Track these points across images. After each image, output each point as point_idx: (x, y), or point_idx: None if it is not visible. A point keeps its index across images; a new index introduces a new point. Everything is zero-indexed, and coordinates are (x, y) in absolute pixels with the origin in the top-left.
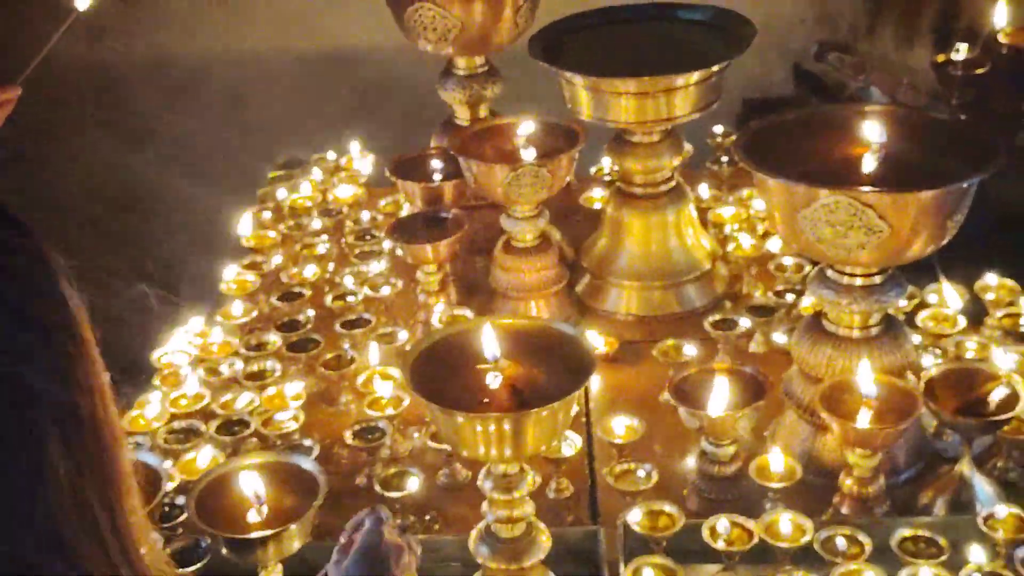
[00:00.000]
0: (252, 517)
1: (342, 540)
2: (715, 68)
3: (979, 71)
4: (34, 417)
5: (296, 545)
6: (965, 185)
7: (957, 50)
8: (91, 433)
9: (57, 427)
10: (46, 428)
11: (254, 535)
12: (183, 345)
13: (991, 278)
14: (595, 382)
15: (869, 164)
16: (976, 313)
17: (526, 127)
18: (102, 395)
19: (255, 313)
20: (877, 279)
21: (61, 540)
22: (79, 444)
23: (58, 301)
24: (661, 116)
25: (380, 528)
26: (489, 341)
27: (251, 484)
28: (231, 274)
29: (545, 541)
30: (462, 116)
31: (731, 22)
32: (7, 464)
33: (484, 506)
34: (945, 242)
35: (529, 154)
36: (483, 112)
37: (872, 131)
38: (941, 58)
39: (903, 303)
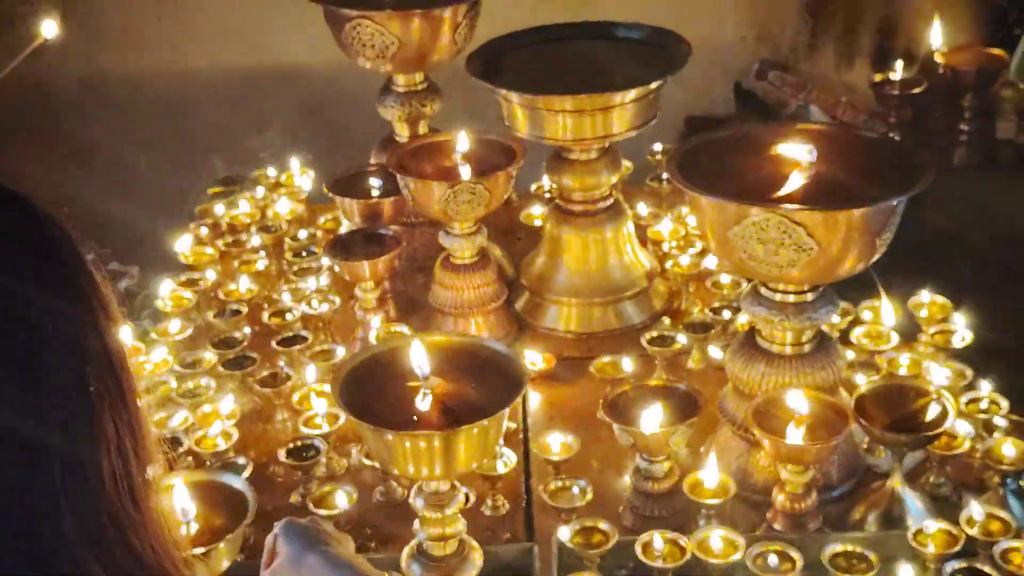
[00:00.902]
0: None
1: (264, 559)
2: (652, 86)
3: (916, 90)
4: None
5: (225, 564)
6: (893, 203)
7: (894, 70)
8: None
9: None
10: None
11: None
12: None
13: (924, 295)
14: (533, 399)
15: (799, 182)
16: (909, 330)
17: (462, 143)
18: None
19: (190, 330)
20: (809, 296)
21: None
22: (123, 406)
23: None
24: (598, 134)
25: (291, 521)
26: (419, 358)
27: (180, 502)
28: (167, 290)
29: (477, 559)
30: (401, 133)
31: (668, 41)
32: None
33: (416, 524)
34: (874, 260)
35: (466, 171)
36: (423, 129)
37: (802, 150)
38: (879, 77)
39: (836, 320)
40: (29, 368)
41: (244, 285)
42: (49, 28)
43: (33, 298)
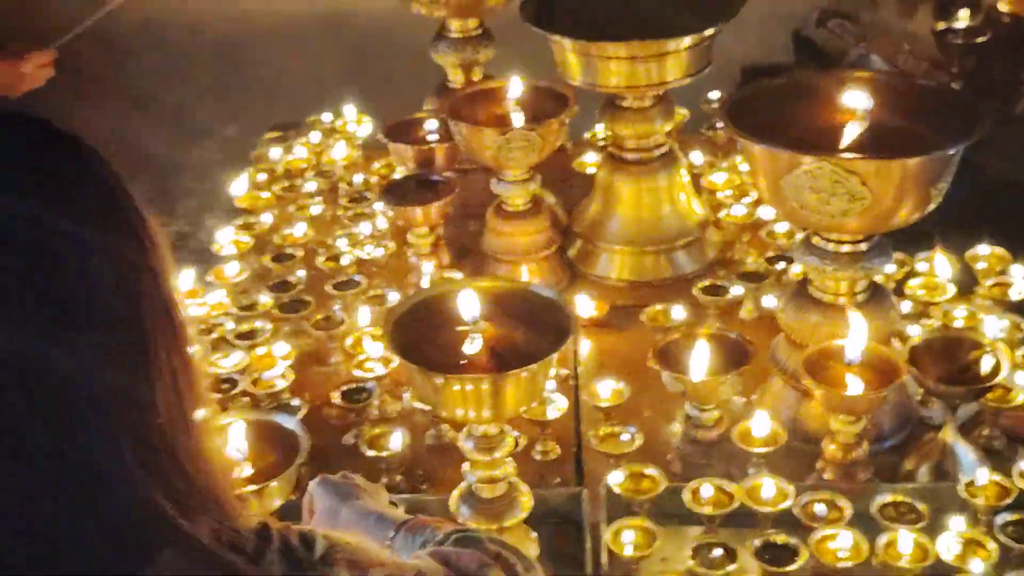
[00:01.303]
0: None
1: (304, 516)
2: (706, 33)
3: (979, 39)
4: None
5: (277, 502)
6: (948, 152)
7: (958, 18)
8: (180, 328)
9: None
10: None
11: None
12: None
13: (983, 247)
14: (584, 346)
15: (854, 131)
16: (966, 282)
17: (516, 90)
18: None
19: (247, 274)
20: (863, 246)
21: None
22: (175, 336)
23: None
24: (652, 81)
25: (325, 478)
26: (469, 303)
27: (235, 441)
28: (226, 235)
29: (526, 502)
30: (455, 79)
31: None
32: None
33: (465, 467)
34: (930, 209)
35: (519, 118)
36: (476, 76)
37: (857, 98)
38: (942, 26)
39: (891, 270)
40: (86, 308)
41: (300, 230)
42: None
43: (88, 240)
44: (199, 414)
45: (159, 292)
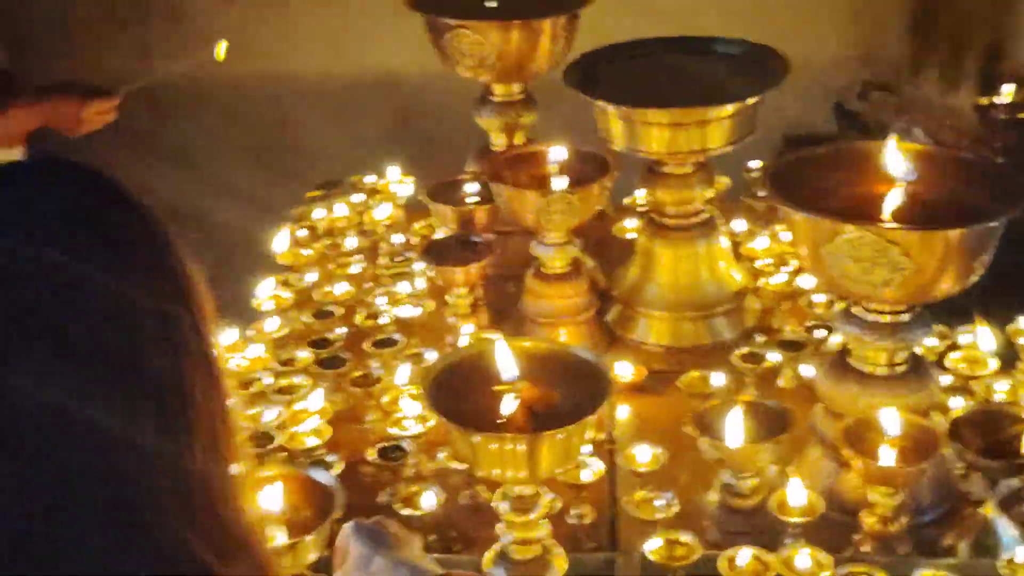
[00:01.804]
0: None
1: (334, 559)
2: (749, 102)
3: (1022, 115)
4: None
5: (312, 556)
6: (992, 225)
7: (1000, 93)
8: (219, 382)
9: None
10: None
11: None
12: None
13: None
14: (621, 411)
15: (896, 201)
16: (1009, 356)
17: (557, 155)
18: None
19: (287, 330)
20: (904, 317)
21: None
22: (215, 390)
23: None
24: (694, 148)
25: (359, 523)
26: (506, 361)
27: (271, 496)
28: (266, 290)
29: (560, 565)
30: (497, 142)
31: (766, 57)
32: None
33: (499, 527)
34: (972, 281)
35: (560, 182)
36: (519, 139)
37: (899, 166)
38: (985, 101)
39: (934, 342)
40: (128, 364)
41: (340, 288)
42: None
43: (132, 297)
44: (235, 467)
45: (200, 347)
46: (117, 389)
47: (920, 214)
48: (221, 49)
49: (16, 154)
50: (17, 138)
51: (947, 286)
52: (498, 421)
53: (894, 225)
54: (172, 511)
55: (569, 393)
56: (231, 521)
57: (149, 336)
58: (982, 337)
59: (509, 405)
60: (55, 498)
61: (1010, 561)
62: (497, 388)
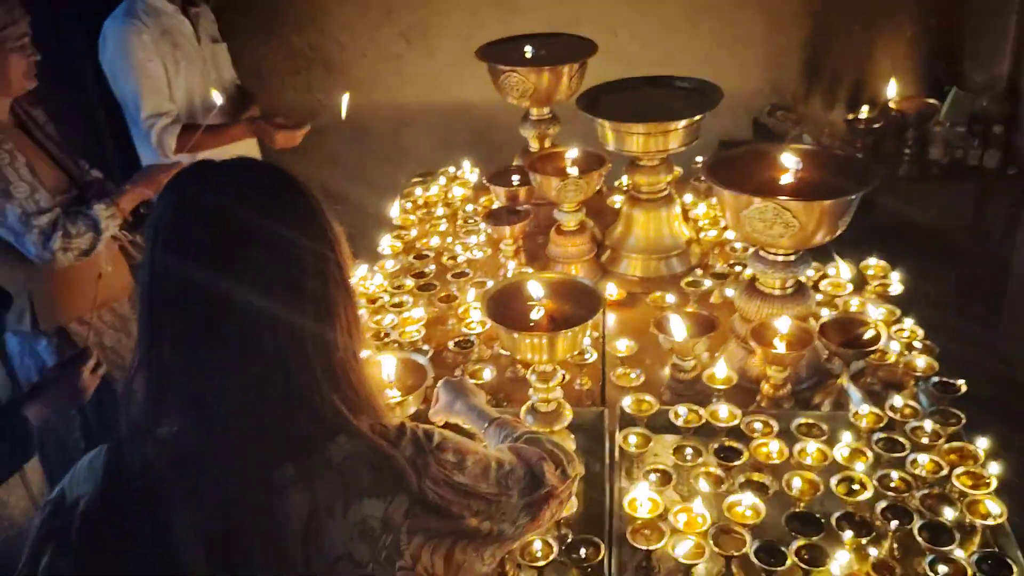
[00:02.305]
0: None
1: (433, 402)
2: (694, 118)
3: (876, 125)
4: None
5: (412, 409)
6: (849, 198)
7: (861, 112)
8: (353, 298)
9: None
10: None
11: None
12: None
13: (871, 259)
14: (610, 318)
15: (789, 182)
16: (859, 282)
17: (572, 154)
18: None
19: (399, 266)
20: (792, 257)
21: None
22: (350, 302)
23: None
24: (659, 148)
25: (447, 380)
26: (535, 288)
27: (388, 369)
28: (386, 241)
29: (568, 414)
30: (534, 145)
31: (707, 89)
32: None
33: (530, 391)
34: (838, 235)
35: (573, 171)
36: (548, 143)
37: (789, 161)
38: (851, 116)
39: (811, 273)
40: (297, 285)
41: (433, 240)
42: (344, 100)
43: (300, 243)
44: (364, 352)
45: (341, 275)
46: (291, 298)
47: (804, 191)
48: (343, 102)
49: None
50: (230, 143)
51: (821, 238)
52: (530, 324)
53: (786, 198)
54: (322, 377)
55: (575, 307)
56: (361, 387)
57: (308, 266)
58: (842, 270)
59: (537, 313)
60: (256, 367)
61: (856, 413)
62: (530, 303)
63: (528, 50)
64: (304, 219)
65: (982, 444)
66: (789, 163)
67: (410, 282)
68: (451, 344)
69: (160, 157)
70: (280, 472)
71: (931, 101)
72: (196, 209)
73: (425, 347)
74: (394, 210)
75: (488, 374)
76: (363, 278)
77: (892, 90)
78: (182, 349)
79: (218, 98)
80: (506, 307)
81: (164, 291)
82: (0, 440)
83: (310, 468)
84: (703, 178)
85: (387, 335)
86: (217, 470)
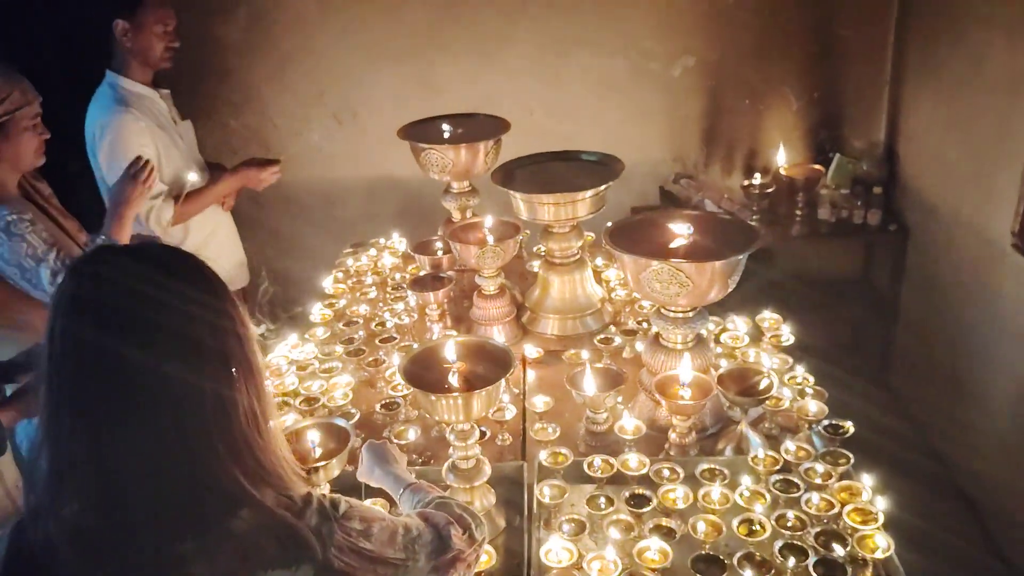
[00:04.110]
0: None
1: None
2: (600, 188)
3: (769, 190)
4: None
5: (336, 472)
6: (736, 258)
7: (755, 178)
8: (258, 375)
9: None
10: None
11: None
12: (284, 351)
13: (767, 313)
14: (530, 375)
15: (682, 245)
16: (755, 335)
17: (488, 223)
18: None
19: (328, 333)
20: (690, 314)
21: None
22: (252, 378)
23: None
24: (569, 217)
25: (371, 442)
26: (450, 351)
27: (312, 436)
28: (317, 309)
29: (487, 470)
30: (456, 216)
31: (611, 161)
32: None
33: (450, 450)
34: (729, 292)
35: (491, 239)
36: (469, 214)
37: (683, 227)
38: (747, 182)
39: (711, 327)
40: (195, 354)
41: (362, 308)
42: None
43: (199, 314)
44: (271, 423)
45: (242, 348)
46: (189, 368)
47: (696, 253)
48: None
49: (221, 211)
50: (227, 197)
51: (714, 295)
52: (446, 386)
53: (679, 261)
54: (221, 449)
55: (489, 367)
56: (265, 458)
57: (207, 337)
58: (738, 324)
59: (452, 376)
60: (145, 444)
61: (754, 457)
62: (446, 366)
63: (446, 129)
64: (202, 285)
65: (868, 482)
66: (680, 229)
67: (339, 348)
68: (378, 407)
69: (156, 232)
70: (180, 547)
71: (817, 167)
72: (95, 278)
73: (353, 410)
74: (327, 282)
75: (412, 434)
76: (295, 346)
77: (782, 158)
78: (80, 423)
79: (194, 176)
80: (425, 371)
81: (64, 362)
82: None
83: (211, 542)
84: (604, 244)
85: (316, 400)
86: (116, 548)
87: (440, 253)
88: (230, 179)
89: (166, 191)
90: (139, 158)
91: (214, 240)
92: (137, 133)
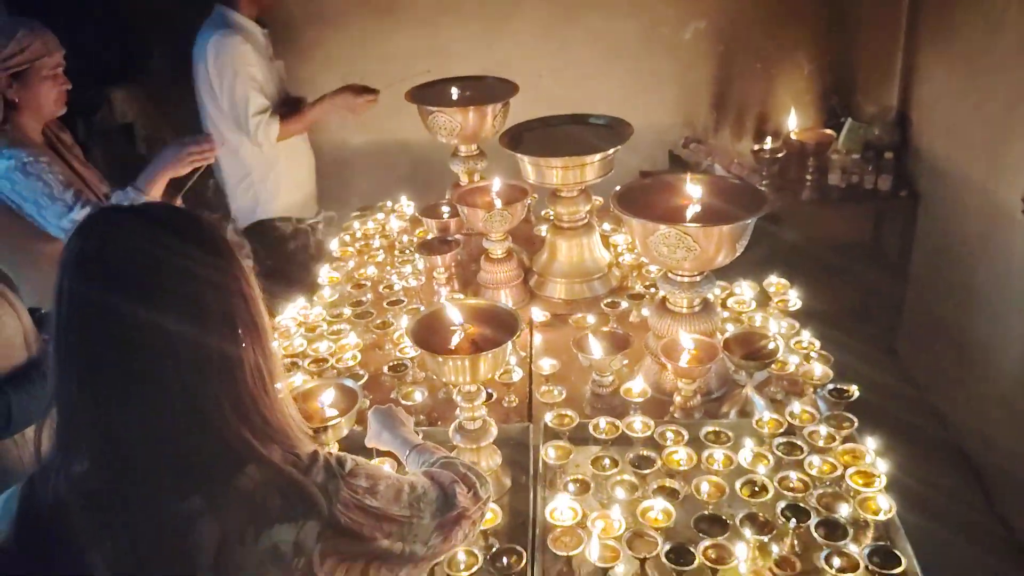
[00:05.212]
0: (324, 414)
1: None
2: (609, 152)
3: (779, 155)
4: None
5: (345, 431)
6: (745, 223)
7: (766, 142)
8: (264, 335)
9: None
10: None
11: (321, 425)
12: (293, 313)
13: (773, 278)
14: (537, 338)
15: (692, 209)
16: (761, 299)
17: (496, 187)
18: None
19: (337, 295)
20: (697, 278)
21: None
22: (258, 337)
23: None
24: (577, 181)
25: (377, 408)
26: (455, 314)
27: (322, 395)
28: (325, 272)
29: (493, 431)
30: (464, 180)
31: (620, 125)
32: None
33: (457, 410)
34: (737, 256)
35: (498, 203)
36: (476, 177)
37: (693, 190)
38: (757, 147)
39: (717, 292)
40: (200, 312)
41: (370, 270)
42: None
43: (205, 273)
44: (278, 384)
45: (248, 308)
46: (195, 326)
47: (705, 217)
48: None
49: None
50: (321, 122)
51: (722, 260)
52: (453, 348)
53: (687, 225)
54: (228, 409)
55: (496, 330)
56: (271, 416)
57: (212, 295)
58: (745, 288)
59: (459, 338)
60: (157, 393)
61: (758, 420)
62: (452, 328)
63: (454, 91)
64: (208, 247)
65: (872, 445)
66: (690, 192)
67: (348, 311)
68: (386, 368)
69: (261, 148)
70: (188, 504)
71: (829, 131)
72: (102, 239)
73: (361, 372)
74: (333, 244)
75: (419, 396)
76: (303, 308)
77: (793, 122)
78: (89, 383)
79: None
80: (433, 333)
81: (71, 322)
82: (32, 383)
83: (219, 498)
84: (612, 208)
85: (324, 362)
86: (125, 506)
87: (447, 217)
88: (329, 103)
89: (271, 107)
90: (209, 135)
91: (299, 167)
92: (246, 54)
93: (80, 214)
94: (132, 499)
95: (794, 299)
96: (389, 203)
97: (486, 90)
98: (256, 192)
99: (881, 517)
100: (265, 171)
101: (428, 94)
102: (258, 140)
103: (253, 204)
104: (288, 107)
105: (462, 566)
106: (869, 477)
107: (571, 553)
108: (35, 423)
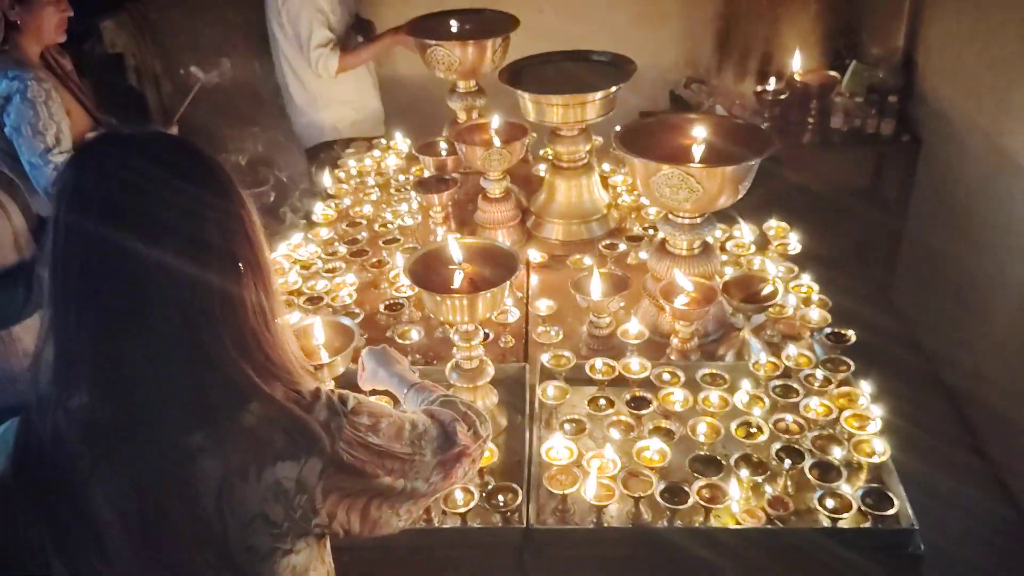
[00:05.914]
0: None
1: (358, 371)
2: (610, 90)
3: (782, 97)
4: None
5: (340, 369)
6: (748, 164)
7: (769, 84)
8: (265, 270)
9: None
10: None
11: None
12: (286, 251)
13: (772, 221)
14: (533, 279)
15: (695, 150)
16: (761, 243)
17: (495, 124)
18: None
19: (332, 233)
20: (698, 220)
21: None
22: (259, 272)
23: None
24: (578, 119)
25: (371, 348)
26: (455, 252)
27: (318, 333)
28: (320, 209)
29: (490, 370)
30: (462, 117)
31: (622, 62)
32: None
33: (454, 349)
34: (739, 199)
35: (497, 141)
36: (475, 115)
37: (696, 130)
38: (760, 88)
39: (717, 235)
40: (202, 245)
41: (366, 208)
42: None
43: (206, 205)
44: (279, 319)
45: (250, 245)
46: (196, 260)
47: (707, 158)
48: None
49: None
50: (380, 56)
51: (723, 201)
52: (452, 287)
53: (690, 165)
54: (230, 345)
55: (495, 270)
56: (273, 353)
57: (214, 227)
58: (745, 232)
59: (457, 277)
60: (152, 335)
61: (755, 363)
62: (451, 267)
63: (453, 24)
64: (211, 183)
65: (867, 388)
66: (696, 132)
67: (343, 249)
68: (382, 307)
69: (323, 77)
70: (190, 439)
71: (833, 73)
72: (100, 171)
73: (357, 310)
74: (326, 179)
75: (416, 335)
76: (297, 245)
77: (797, 63)
78: (88, 316)
79: (199, 73)
80: (430, 271)
81: (69, 255)
82: (15, 286)
83: (221, 434)
84: (612, 148)
85: (319, 300)
86: (126, 440)
87: (445, 154)
88: (389, 39)
89: (334, 40)
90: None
91: (362, 89)
92: None
93: (49, 161)
94: (133, 433)
95: (794, 242)
96: (383, 140)
97: (485, 23)
98: (320, 115)
99: (876, 460)
100: (328, 94)
101: (426, 27)
102: (318, 71)
103: (320, 125)
104: (357, 29)
105: (459, 503)
106: (864, 420)
107: (566, 491)
108: (10, 327)
